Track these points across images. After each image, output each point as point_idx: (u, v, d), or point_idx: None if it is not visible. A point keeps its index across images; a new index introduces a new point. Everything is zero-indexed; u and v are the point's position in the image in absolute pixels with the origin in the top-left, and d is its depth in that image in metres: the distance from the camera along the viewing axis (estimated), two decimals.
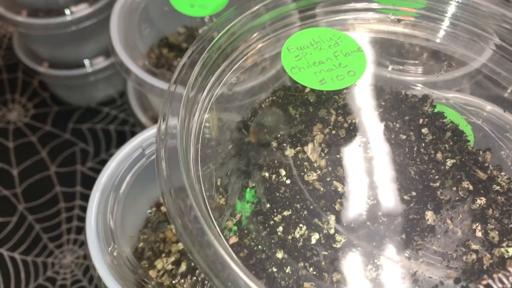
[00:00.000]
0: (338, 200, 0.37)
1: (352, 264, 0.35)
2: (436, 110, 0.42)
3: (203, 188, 0.35)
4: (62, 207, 0.72)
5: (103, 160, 0.76)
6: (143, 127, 0.65)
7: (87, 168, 0.76)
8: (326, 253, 0.36)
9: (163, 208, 0.51)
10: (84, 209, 0.65)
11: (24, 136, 0.80)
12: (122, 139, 0.78)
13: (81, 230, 0.69)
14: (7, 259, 0.67)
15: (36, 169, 0.76)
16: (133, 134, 0.76)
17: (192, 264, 0.42)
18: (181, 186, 0.31)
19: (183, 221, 0.30)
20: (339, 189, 0.38)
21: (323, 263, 0.35)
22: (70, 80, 0.76)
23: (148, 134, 0.48)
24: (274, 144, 0.40)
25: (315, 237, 0.36)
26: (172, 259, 0.45)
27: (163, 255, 0.45)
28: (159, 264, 0.44)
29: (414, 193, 0.37)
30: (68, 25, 0.69)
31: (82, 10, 0.69)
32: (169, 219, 0.32)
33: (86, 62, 0.76)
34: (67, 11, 0.69)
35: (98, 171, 0.49)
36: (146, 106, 0.71)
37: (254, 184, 0.37)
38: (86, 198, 0.53)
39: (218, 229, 0.33)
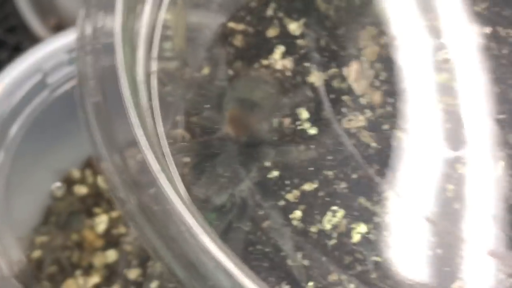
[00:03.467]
0: (403, 163, 0.27)
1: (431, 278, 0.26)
2: None
3: (166, 142, 0.26)
4: None
5: None
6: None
7: None
8: (379, 259, 0.26)
9: (78, 188, 0.39)
10: None
11: None
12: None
13: None
14: None
15: None
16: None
17: None
18: (131, 141, 0.23)
19: (140, 199, 0.22)
20: (405, 145, 0.28)
21: (373, 276, 0.26)
22: None
23: (51, 50, 0.36)
24: (284, 62, 0.29)
25: (359, 230, 0.27)
26: (96, 279, 0.34)
27: (79, 271, 0.35)
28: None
29: None
30: None
31: None
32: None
33: None
34: None
35: None
36: (46, 8, 0.56)
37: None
38: None
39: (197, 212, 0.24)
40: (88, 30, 0.25)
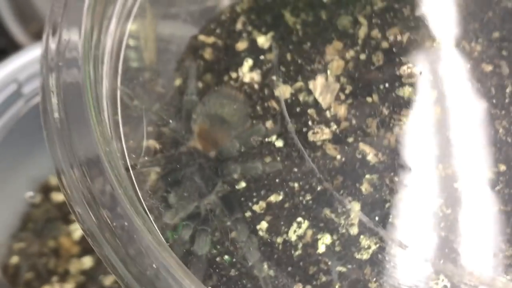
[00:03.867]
0: (367, 176, 0.28)
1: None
2: None
3: (127, 158, 0.26)
4: None
5: None
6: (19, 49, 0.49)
7: None
8: (343, 269, 0.27)
9: (55, 196, 0.40)
10: None
11: None
12: None
13: None
14: None
15: None
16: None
17: None
18: (92, 157, 0.23)
19: (98, 215, 0.22)
20: (369, 158, 0.28)
21: (337, 286, 0.27)
22: None
23: (27, 59, 0.37)
24: (252, 75, 0.29)
25: (324, 240, 0.27)
26: (72, 285, 0.34)
27: (55, 278, 0.35)
28: None
29: (503, 168, 0.27)
30: None
31: None
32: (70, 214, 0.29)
33: None
34: None
35: None
36: (27, 14, 0.54)
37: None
38: None
39: (156, 228, 0.24)
40: (53, 46, 0.24)
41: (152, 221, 0.24)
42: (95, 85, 0.24)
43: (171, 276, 0.21)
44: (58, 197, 0.38)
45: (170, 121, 0.26)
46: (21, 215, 0.39)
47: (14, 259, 0.37)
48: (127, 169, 0.24)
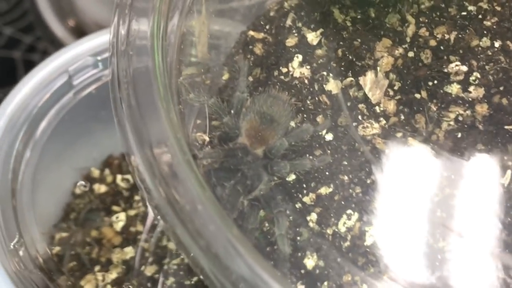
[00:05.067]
0: (415, 169, 0.27)
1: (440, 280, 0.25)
2: None
3: (192, 144, 0.26)
4: None
5: None
6: (60, 46, 0.47)
7: None
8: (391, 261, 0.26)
9: (98, 187, 0.38)
10: None
11: None
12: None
13: None
14: None
15: None
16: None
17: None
18: (161, 139, 0.22)
19: (167, 192, 0.21)
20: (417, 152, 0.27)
21: (384, 277, 0.26)
22: None
23: (75, 53, 0.36)
24: (302, 70, 0.28)
25: (372, 232, 0.26)
26: (114, 275, 0.33)
27: (97, 267, 0.34)
28: (89, 283, 0.33)
29: None
30: None
31: None
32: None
33: None
34: None
35: None
36: (65, 9, 0.52)
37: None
38: None
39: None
40: (122, 33, 0.24)
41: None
42: (164, 74, 0.24)
43: (235, 250, 0.20)
44: (100, 188, 0.38)
45: (223, 116, 0.26)
46: (63, 205, 0.38)
47: (57, 249, 0.36)
48: (194, 157, 0.23)
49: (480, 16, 0.29)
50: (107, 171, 0.37)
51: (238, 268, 0.21)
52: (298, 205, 0.27)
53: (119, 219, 0.34)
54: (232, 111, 0.26)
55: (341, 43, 0.29)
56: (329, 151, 0.27)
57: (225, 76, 0.29)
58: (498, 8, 0.30)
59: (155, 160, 0.22)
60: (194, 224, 0.22)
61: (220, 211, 0.22)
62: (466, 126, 0.27)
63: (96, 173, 0.37)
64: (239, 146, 0.26)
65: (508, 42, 0.29)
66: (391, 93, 0.28)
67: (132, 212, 0.35)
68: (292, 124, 0.27)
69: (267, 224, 0.26)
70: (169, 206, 0.22)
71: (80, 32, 0.50)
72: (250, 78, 0.29)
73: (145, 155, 0.22)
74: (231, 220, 0.23)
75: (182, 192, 0.22)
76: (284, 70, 0.28)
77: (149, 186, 0.23)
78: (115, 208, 0.35)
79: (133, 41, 0.24)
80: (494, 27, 0.29)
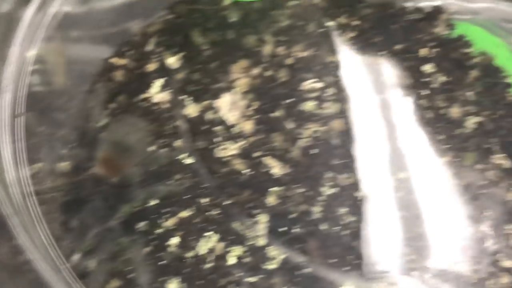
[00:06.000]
0: (274, 188, 0.28)
1: None
2: (454, 34, 0.33)
3: (30, 184, 0.25)
4: None
5: None
6: None
7: None
8: (253, 279, 0.27)
9: None
10: None
11: None
12: None
13: None
14: None
15: None
16: None
17: None
18: None
19: None
20: (275, 171, 0.28)
21: None
22: None
23: None
24: (162, 95, 0.28)
25: (234, 253, 0.27)
26: None
27: None
28: None
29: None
30: None
31: None
32: None
33: None
34: None
35: None
36: None
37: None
38: None
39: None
40: None
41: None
42: None
43: None
44: None
45: (74, 147, 0.26)
46: None
47: None
48: (28, 195, 0.23)
49: (338, 31, 0.31)
50: None
51: None
52: (158, 231, 0.27)
53: None
54: (86, 142, 0.27)
55: (198, 66, 0.30)
56: (189, 175, 0.28)
57: (90, 104, 0.29)
58: (357, 22, 0.32)
59: None
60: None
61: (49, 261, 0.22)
62: (322, 142, 0.28)
63: None
64: (91, 176, 0.26)
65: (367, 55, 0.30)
66: (250, 113, 0.29)
67: None
68: (152, 149, 0.28)
69: (125, 253, 0.26)
70: None
71: None
72: (113, 105, 0.29)
73: None
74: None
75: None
76: (145, 96, 0.28)
77: None
78: None
79: None
80: (352, 41, 0.31)
